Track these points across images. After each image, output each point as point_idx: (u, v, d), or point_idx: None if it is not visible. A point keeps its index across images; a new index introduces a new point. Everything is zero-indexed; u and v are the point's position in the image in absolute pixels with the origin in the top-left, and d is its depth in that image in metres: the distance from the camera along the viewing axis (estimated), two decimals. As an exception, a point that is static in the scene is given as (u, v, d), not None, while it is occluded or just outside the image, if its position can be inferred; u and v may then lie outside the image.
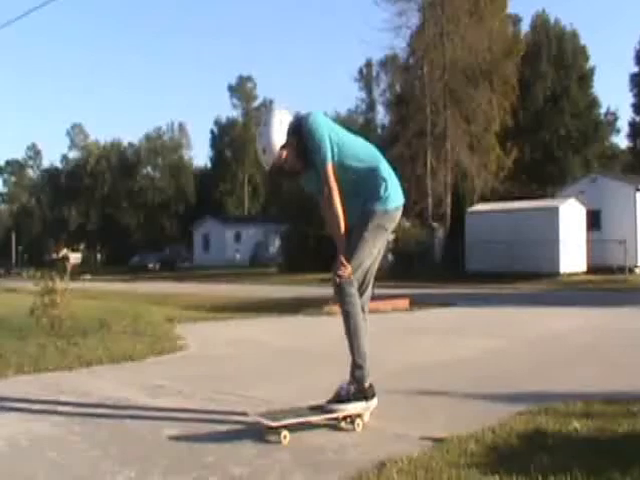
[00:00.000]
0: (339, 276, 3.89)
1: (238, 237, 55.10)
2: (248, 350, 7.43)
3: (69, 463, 3.41)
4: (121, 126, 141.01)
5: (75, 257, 57.71)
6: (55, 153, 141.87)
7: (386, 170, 4.08)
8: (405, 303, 12.91)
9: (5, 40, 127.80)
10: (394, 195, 4.05)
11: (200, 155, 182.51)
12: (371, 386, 4.01)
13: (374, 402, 3.99)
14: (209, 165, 79.30)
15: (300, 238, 37.72)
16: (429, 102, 36.50)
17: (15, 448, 3.66)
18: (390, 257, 31.48)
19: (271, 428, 3.65)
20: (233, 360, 6.70)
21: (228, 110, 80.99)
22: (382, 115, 56.79)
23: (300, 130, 3.94)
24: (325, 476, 3.16)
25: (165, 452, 3.53)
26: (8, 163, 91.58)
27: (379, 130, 56.36)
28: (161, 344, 7.16)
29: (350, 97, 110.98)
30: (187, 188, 77.84)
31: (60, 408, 4.53)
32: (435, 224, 35.32)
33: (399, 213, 4.10)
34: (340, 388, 3.95)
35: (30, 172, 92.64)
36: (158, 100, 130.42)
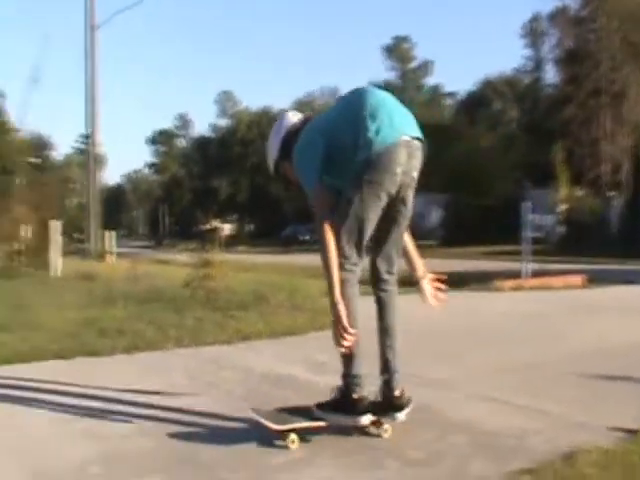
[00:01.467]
0: (340, 345, 3.35)
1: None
2: (417, 328, 7.33)
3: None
4: (271, 92, 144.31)
5: (226, 229, 59.98)
6: (204, 122, 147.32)
7: (373, 108, 3.44)
8: (579, 280, 12.44)
9: (152, 7, 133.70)
10: (384, 133, 3.38)
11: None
12: (362, 399, 3.46)
13: (365, 419, 3.42)
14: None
15: (462, 209, 37.16)
16: (605, 58, 34.68)
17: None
18: (560, 228, 30.39)
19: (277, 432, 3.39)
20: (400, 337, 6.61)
21: (383, 73, 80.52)
22: (551, 74, 54.54)
23: (290, 148, 3.65)
24: (506, 462, 3.05)
25: (332, 430, 3.53)
26: (159, 133, 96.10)
27: (547, 90, 54.18)
28: (321, 319, 7.22)
29: (515, 55, 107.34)
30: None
31: (221, 383, 4.66)
32: (611, 193, 33.65)
33: (398, 150, 3.39)
34: (333, 389, 3.57)
35: (180, 142, 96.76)
36: (309, 64, 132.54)
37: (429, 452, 3.25)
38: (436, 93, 75.00)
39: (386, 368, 3.58)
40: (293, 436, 3.37)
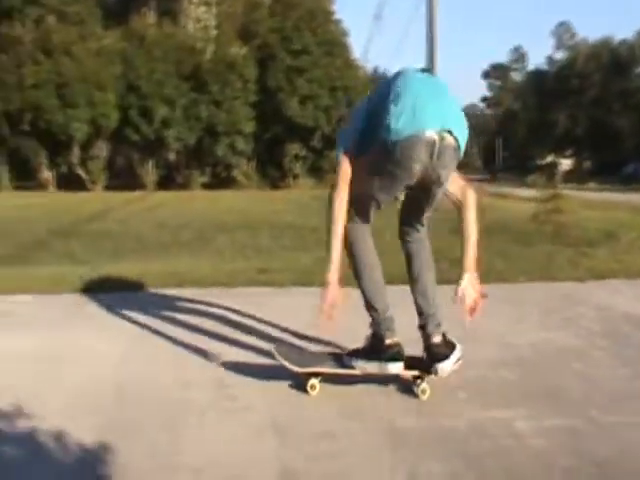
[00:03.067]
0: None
1: None
2: None
3: (596, 377, 3.39)
4: (611, 22, 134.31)
5: (564, 164, 57.72)
6: (540, 55, 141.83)
7: (400, 91, 3.12)
8: None
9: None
10: (404, 121, 3.03)
11: None
12: (392, 346, 3.22)
13: (393, 367, 3.18)
14: None
15: None
16: None
17: (540, 355, 3.76)
18: None
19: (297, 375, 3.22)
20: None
21: None
22: None
23: None
24: None
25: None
26: (493, 67, 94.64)
27: None
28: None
29: None
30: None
31: (580, 320, 4.53)
32: None
33: (416, 146, 3.02)
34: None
35: (514, 75, 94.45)
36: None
37: None
38: None
39: (420, 313, 3.36)
40: (313, 381, 3.21)
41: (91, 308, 4.89)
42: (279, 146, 23.36)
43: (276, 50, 23.34)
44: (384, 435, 2.72)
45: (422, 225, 3.44)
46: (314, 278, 5.16)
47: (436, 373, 3.17)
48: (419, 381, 3.22)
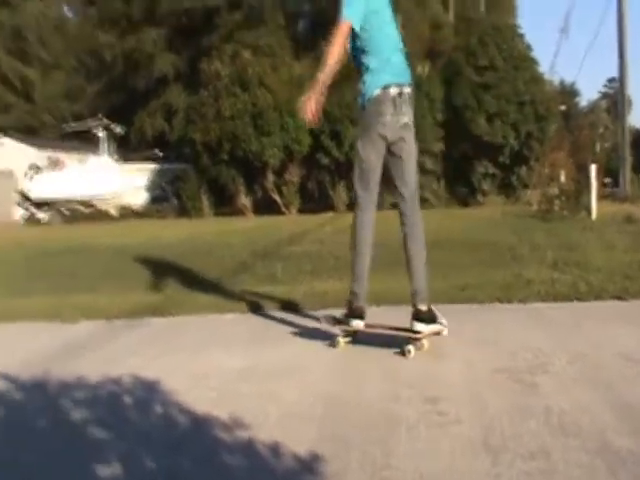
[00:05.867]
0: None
1: None
2: None
3: None
4: None
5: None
6: None
7: (377, 58, 4.07)
8: None
9: None
10: (376, 80, 4.04)
11: None
12: (356, 309, 4.19)
13: (354, 323, 4.19)
14: None
15: None
16: None
17: None
18: None
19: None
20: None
21: None
22: None
23: None
24: None
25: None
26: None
27: None
28: None
29: None
30: None
31: None
32: None
33: (384, 101, 4.02)
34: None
35: None
36: None
37: None
38: None
39: (411, 283, 4.17)
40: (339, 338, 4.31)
41: (295, 324, 5.06)
42: (467, 164, 23.11)
43: (462, 67, 23.15)
44: (600, 455, 2.57)
45: (410, 192, 4.20)
46: (515, 294, 5.03)
47: (412, 327, 4.00)
48: (406, 343, 3.95)
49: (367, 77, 4.08)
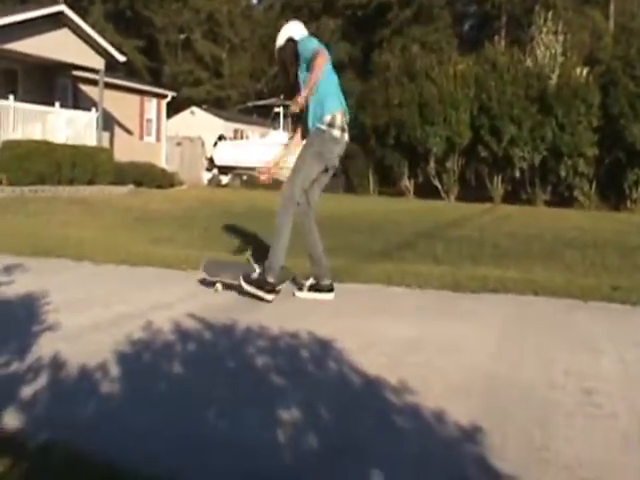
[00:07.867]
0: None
1: None
2: None
3: None
4: None
5: None
6: None
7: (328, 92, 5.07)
8: None
9: None
10: (329, 105, 5.04)
11: None
12: (272, 284, 4.83)
13: (268, 297, 4.81)
14: None
15: None
16: None
17: None
18: None
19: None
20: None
21: None
22: None
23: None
24: None
25: None
26: None
27: None
28: None
29: None
30: None
31: None
32: None
33: (336, 115, 5.03)
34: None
35: None
36: None
37: None
38: None
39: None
40: (218, 285, 5.07)
41: (459, 303, 5.11)
42: (620, 170, 22.47)
43: (619, 76, 22.48)
44: None
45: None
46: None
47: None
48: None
49: (326, 114, 4.99)
